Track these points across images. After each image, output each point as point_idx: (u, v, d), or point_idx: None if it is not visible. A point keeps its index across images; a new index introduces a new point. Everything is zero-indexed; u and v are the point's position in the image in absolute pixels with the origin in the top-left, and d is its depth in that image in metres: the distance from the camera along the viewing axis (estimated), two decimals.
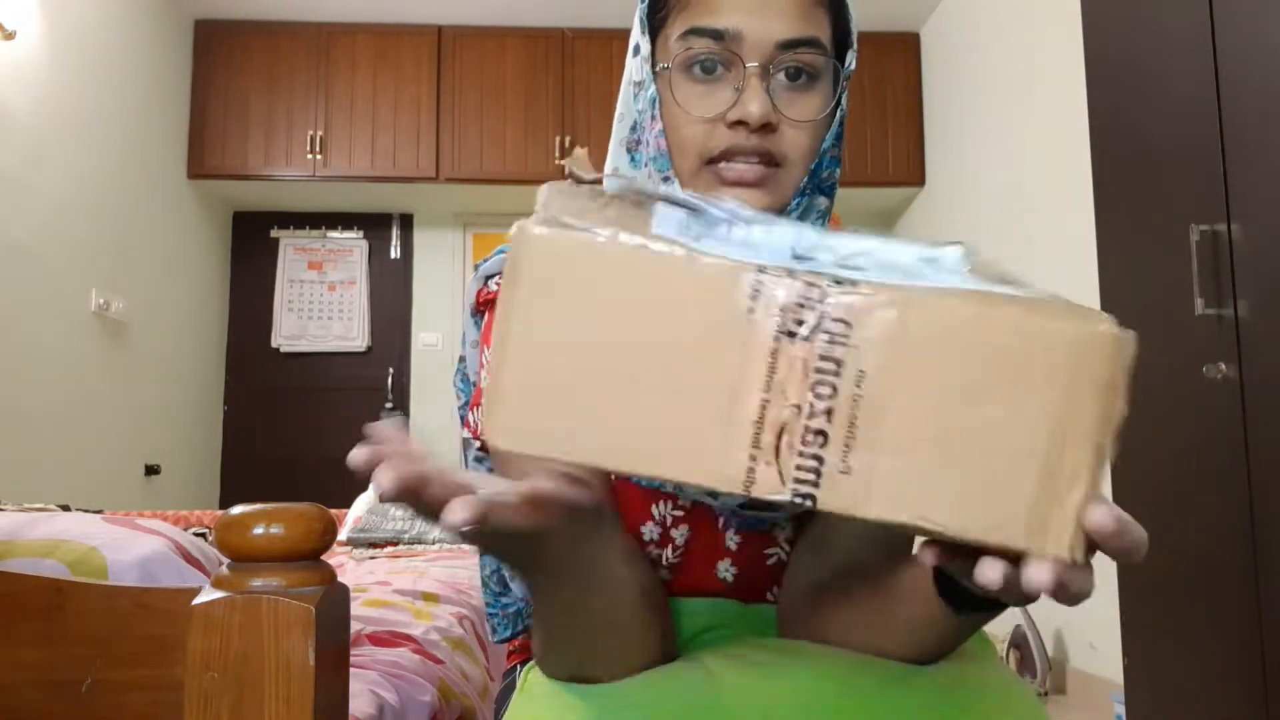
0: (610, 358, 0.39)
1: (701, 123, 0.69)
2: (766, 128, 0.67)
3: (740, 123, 0.67)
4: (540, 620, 0.62)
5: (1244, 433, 1.68)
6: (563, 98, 4.28)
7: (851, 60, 0.73)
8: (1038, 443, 0.37)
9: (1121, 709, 2.25)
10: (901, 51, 4.39)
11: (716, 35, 0.67)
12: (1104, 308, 2.12)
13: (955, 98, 4.06)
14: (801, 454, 0.38)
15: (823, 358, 0.38)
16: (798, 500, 0.38)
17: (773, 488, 0.38)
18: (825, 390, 0.38)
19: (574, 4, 4.15)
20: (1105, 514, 0.37)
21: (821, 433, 0.38)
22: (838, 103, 0.72)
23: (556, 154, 4.23)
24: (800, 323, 0.38)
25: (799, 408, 0.38)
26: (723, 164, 0.69)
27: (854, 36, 0.73)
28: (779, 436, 0.38)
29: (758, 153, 0.68)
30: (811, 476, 0.38)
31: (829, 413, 0.38)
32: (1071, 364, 0.37)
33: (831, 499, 0.38)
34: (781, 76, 0.68)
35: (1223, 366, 1.71)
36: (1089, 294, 2.15)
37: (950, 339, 0.38)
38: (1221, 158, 1.74)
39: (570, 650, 0.62)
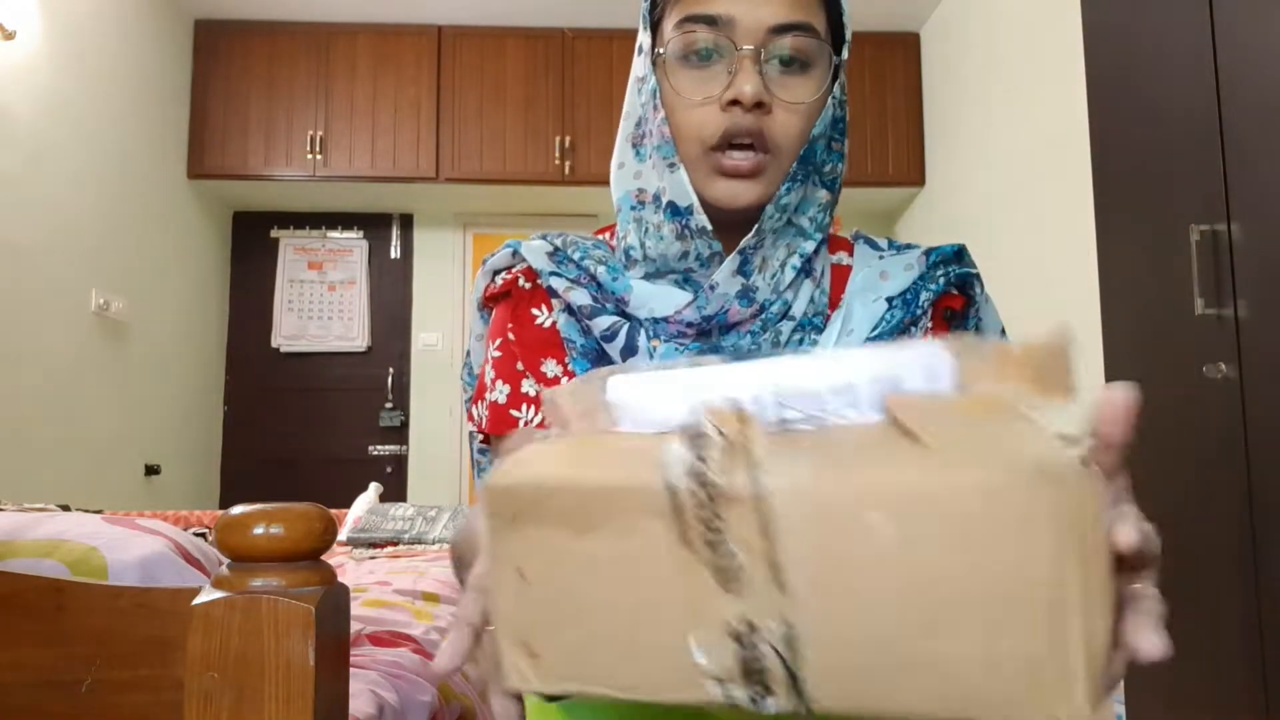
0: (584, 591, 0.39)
1: (698, 106, 0.70)
2: (760, 108, 0.69)
3: (734, 103, 0.69)
4: None
5: (1244, 433, 1.68)
6: (563, 98, 4.28)
7: (845, 51, 0.74)
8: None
9: (1121, 709, 2.26)
10: (901, 51, 4.40)
11: (710, 21, 0.69)
12: (1104, 308, 2.13)
13: (955, 98, 4.06)
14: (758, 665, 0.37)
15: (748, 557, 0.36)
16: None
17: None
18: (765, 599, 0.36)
19: (574, 4, 4.15)
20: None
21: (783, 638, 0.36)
22: (829, 89, 0.72)
23: (556, 154, 4.23)
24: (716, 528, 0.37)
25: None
26: (720, 154, 0.70)
27: (848, 29, 0.74)
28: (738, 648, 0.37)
29: (752, 133, 0.69)
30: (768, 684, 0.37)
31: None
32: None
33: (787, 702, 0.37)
34: (776, 61, 0.70)
35: (1223, 366, 1.71)
36: (1089, 294, 2.15)
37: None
38: (1221, 158, 1.74)
39: None
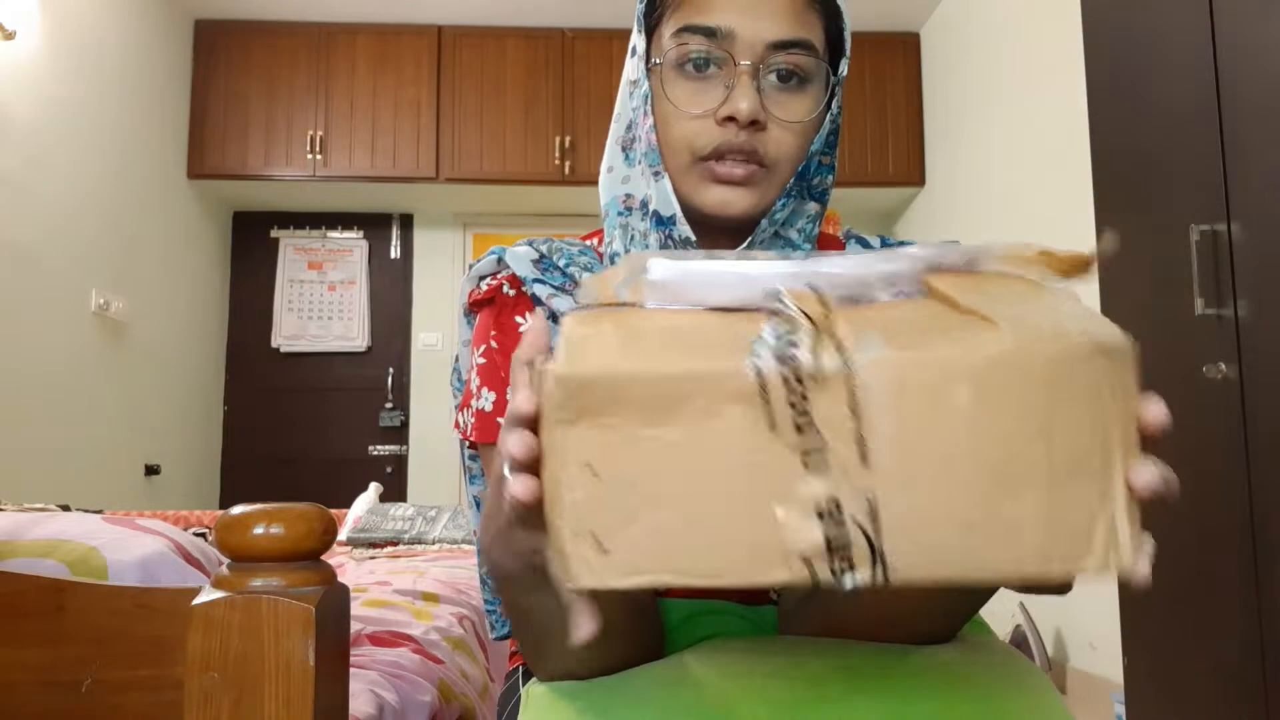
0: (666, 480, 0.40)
1: (692, 119, 0.70)
2: (755, 125, 0.68)
3: (729, 119, 0.68)
4: (517, 629, 0.63)
5: (1244, 433, 1.68)
6: (563, 98, 4.28)
7: (844, 67, 0.73)
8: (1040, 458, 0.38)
9: (1121, 709, 2.25)
10: (901, 51, 4.39)
11: (709, 33, 0.68)
12: (1104, 308, 2.13)
13: (955, 98, 4.06)
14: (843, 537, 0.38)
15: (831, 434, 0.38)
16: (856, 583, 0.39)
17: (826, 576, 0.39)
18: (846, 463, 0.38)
19: (574, 4, 4.15)
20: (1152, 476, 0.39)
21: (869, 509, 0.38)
22: (827, 106, 0.72)
23: (556, 154, 4.23)
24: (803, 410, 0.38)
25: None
26: (712, 161, 0.70)
27: (848, 44, 0.73)
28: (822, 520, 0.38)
29: (745, 151, 0.69)
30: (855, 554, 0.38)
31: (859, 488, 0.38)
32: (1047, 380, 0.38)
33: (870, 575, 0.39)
34: (772, 77, 0.69)
35: (1223, 366, 1.71)
36: (1089, 294, 2.15)
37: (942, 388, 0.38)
38: (1221, 158, 1.74)
39: (547, 657, 0.63)
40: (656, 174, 0.72)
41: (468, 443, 0.80)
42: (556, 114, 4.26)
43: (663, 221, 0.72)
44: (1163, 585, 2.08)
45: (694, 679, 0.60)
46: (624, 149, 0.76)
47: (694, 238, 0.71)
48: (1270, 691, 1.62)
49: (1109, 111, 2.15)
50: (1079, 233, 2.81)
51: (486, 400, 0.74)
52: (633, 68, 0.74)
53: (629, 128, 0.75)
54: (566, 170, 4.21)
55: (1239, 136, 1.71)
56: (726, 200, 0.70)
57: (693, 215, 0.72)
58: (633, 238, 0.74)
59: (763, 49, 0.68)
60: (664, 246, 0.73)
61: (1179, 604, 1.89)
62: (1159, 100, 1.96)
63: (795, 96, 0.70)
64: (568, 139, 4.23)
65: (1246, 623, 1.67)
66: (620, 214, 0.76)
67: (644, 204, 0.74)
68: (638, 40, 0.74)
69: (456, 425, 0.78)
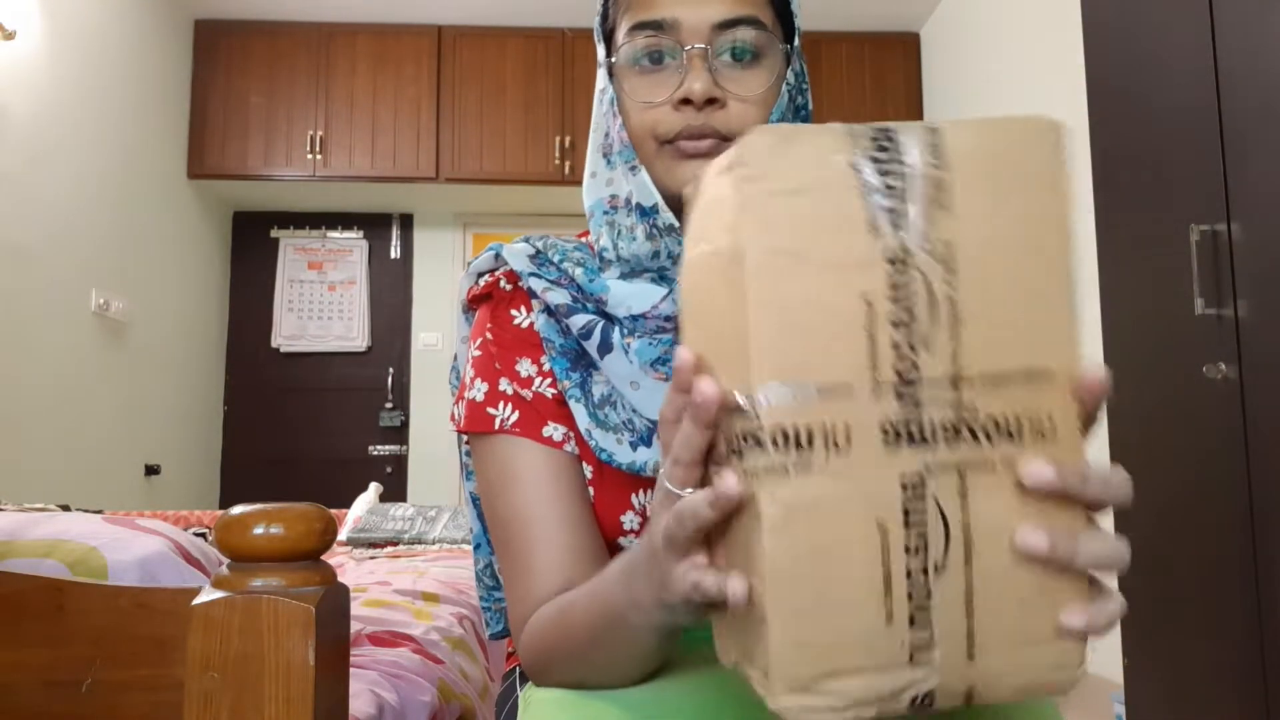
0: None
1: (652, 108, 0.72)
2: (713, 104, 0.70)
3: (685, 102, 0.70)
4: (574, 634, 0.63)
5: (1244, 433, 1.68)
6: (563, 98, 4.28)
7: (796, 39, 0.75)
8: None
9: (1121, 709, 2.25)
10: (901, 51, 4.39)
11: (656, 26, 0.71)
12: (1104, 308, 2.13)
13: (955, 98, 4.06)
14: None
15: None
16: None
17: None
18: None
19: (574, 4, 4.14)
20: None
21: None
22: (782, 77, 0.74)
23: (556, 154, 4.23)
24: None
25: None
26: (680, 141, 0.72)
27: (798, 16, 0.76)
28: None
29: (705, 131, 0.71)
30: None
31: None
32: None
33: None
34: (725, 56, 0.71)
35: (1223, 366, 1.71)
36: (1089, 294, 2.16)
37: None
38: (1221, 158, 1.74)
39: (574, 669, 0.63)
40: (633, 168, 0.74)
41: (465, 438, 0.80)
42: (556, 114, 4.26)
43: (645, 212, 0.73)
44: (1163, 585, 2.08)
45: (686, 688, 0.60)
46: (604, 155, 0.78)
47: (677, 223, 0.73)
48: (1270, 691, 1.62)
49: (1109, 111, 2.15)
50: (1079, 232, 2.81)
51: (479, 390, 0.75)
52: (600, 77, 0.77)
53: (606, 135, 0.77)
54: (566, 170, 4.21)
55: (1239, 136, 1.71)
56: (697, 174, 0.71)
57: (672, 202, 0.73)
58: (619, 232, 0.76)
59: (709, 30, 0.70)
60: (649, 236, 0.74)
61: (1179, 604, 1.89)
62: (1159, 100, 1.96)
63: (749, 71, 0.72)
64: (568, 139, 4.23)
65: (1246, 622, 1.67)
66: (606, 213, 0.77)
67: (628, 200, 0.75)
68: (599, 50, 0.77)
69: (452, 418, 0.80)
